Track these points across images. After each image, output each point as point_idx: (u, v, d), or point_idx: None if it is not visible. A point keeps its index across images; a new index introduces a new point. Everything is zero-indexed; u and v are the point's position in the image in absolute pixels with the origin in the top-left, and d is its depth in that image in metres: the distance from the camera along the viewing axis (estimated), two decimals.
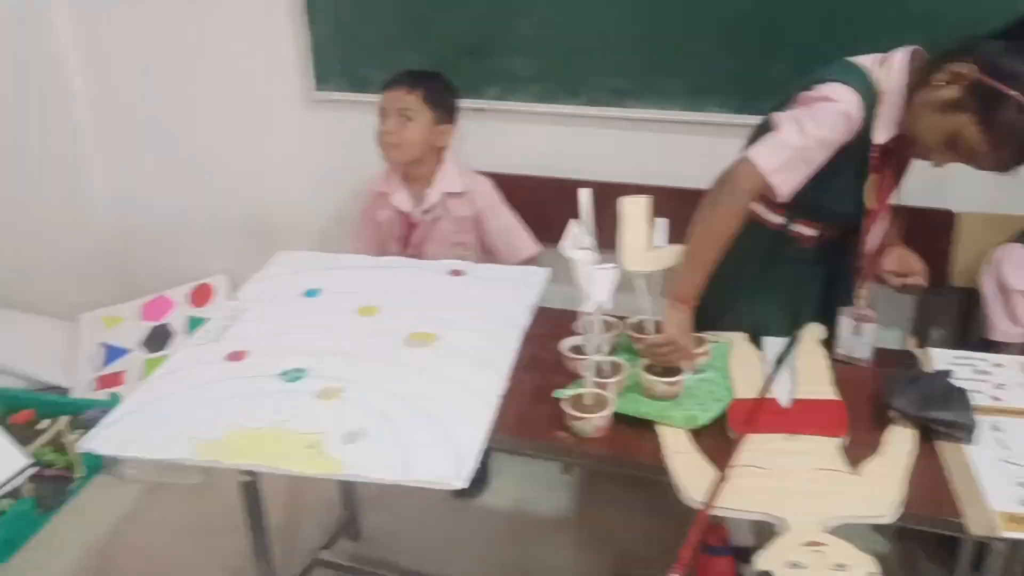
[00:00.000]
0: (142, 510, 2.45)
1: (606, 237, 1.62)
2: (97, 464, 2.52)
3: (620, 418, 1.52)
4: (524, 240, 2.30)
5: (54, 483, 2.38)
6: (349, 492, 2.26)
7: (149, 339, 2.98)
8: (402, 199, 2.28)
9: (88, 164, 2.96)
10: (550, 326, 1.81)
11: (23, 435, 2.52)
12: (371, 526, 2.33)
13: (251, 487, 1.86)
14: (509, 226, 2.31)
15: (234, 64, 2.71)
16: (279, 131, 2.76)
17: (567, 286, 2.03)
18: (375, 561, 2.16)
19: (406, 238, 2.31)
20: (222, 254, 3.01)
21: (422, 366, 1.63)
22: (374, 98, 2.45)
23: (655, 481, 1.41)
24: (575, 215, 1.56)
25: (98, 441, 1.48)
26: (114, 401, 2.75)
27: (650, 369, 1.58)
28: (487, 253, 2.32)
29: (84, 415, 2.62)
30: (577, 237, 1.52)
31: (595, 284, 1.46)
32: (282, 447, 1.43)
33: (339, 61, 2.59)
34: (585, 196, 1.55)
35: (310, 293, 1.93)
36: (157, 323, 3.01)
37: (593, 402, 1.51)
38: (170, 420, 1.52)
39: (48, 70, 2.82)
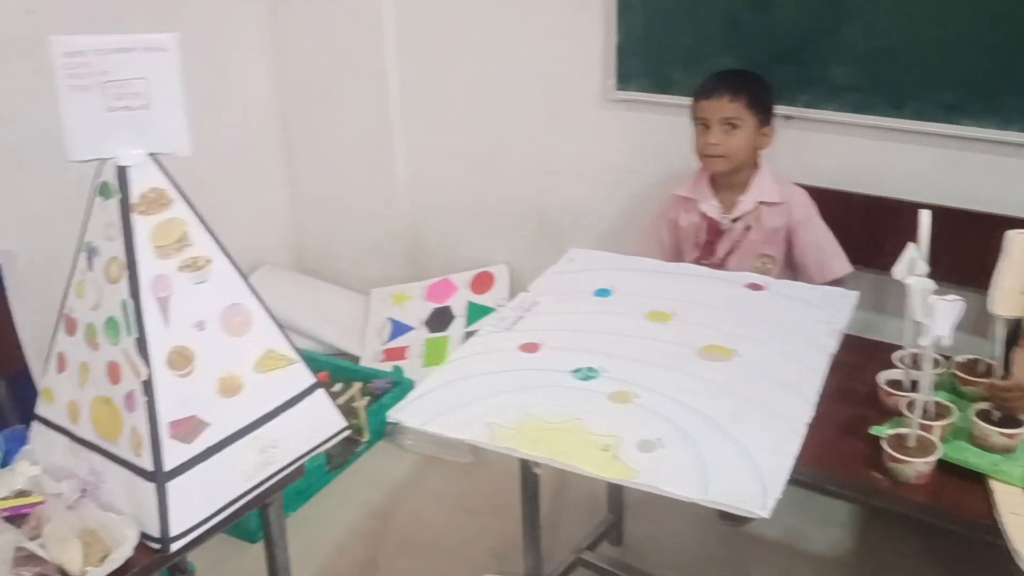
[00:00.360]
0: (417, 480, 2.57)
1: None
2: (381, 431, 2.68)
3: (943, 465, 1.38)
4: (837, 258, 2.16)
5: (344, 444, 2.55)
6: (616, 496, 2.24)
7: (431, 319, 3.12)
8: (712, 206, 2.22)
9: (395, 148, 3.14)
10: (858, 354, 1.69)
11: None
12: (634, 534, 2.29)
13: (533, 478, 1.88)
14: (823, 242, 2.18)
15: (539, 58, 2.76)
16: (575, 128, 2.78)
17: (868, 313, 1.89)
18: (635, 570, 2.12)
19: (709, 245, 2.24)
20: (505, 244, 3.10)
21: (719, 381, 1.57)
22: (675, 100, 2.41)
23: (947, 530, 1.27)
24: (886, 236, 1.43)
25: (405, 413, 1.54)
26: (398, 373, 2.92)
27: (984, 416, 1.42)
28: (790, 268, 2.21)
29: (372, 384, 2.79)
30: (913, 262, 1.39)
31: (936, 316, 1.32)
32: (577, 445, 1.42)
33: (644, 61, 2.56)
34: (925, 218, 1.42)
35: (601, 292, 1.92)
36: (439, 305, 3.15)
37: (916, 445, 1.38)
38: (469, 402, 1.56)
39: (371, 56, 3.01)
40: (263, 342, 1.42)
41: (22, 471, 1.38)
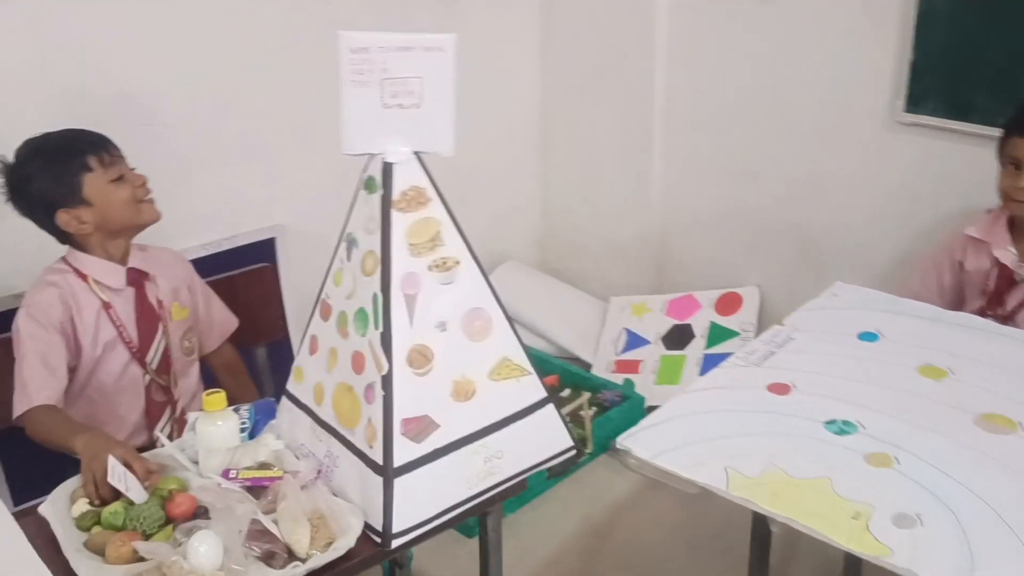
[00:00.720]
0: (638, 503, 2.48)
1: None
2: (606, 445, 2.62)
3: None
4: None
5: None
6: (854, 560, 2.03)
7: (669, 335, 3.02)
8: (1007, 252, 1.97)
9: (653, 152, 3.05)
10: None
11: None
12: None
13: (766, 531, 1.74)
14: None
15: (819, 68, 2.56)
16: (852, 148, 2.56)
17: None
18: None
19: (998, 296, 1.99)
20: (759, 265, 2.93)
21: (998, 457, 1.38)
22: (976, 129, 2.18)
23: None
24: None
25: (636, 441, 1.48)
26: (629, 387, 2.84)
27: None
28: None
29: (601, 394, 2.74)
30: None
31: None
32: (824, 509, 1.29)
33: (941, 81, 2.31)
34: None
35: (866, 336, 1.75)
36: (680, 322, 3.04)
37: None
38: (706, 440, 1.47)
39: (639, 56, 2.94)
40: (500, 350, 1.39)
41: (267, 444, 1.44)
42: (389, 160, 1.28)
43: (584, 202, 3.31)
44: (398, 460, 1.29)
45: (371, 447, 1.31)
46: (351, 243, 1.35)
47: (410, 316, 1.30)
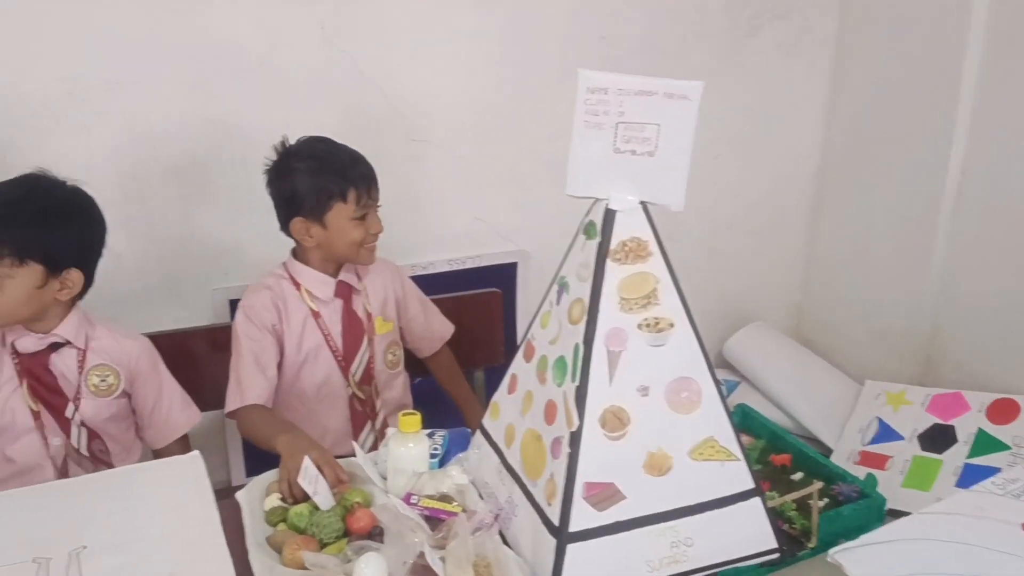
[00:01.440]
0: None
1: None
2: (832, 543, 2.35)
3: None
4: None
5: (788, 543, 2.30)
6: None
7: (927, 434, 2.68)
8: None
9: (938, 232, 2.74)
10: None
11: (775, 476, 2.50)
12: None
13: None
14: None
15: None
16: None
17: None
18: None
19: None
20: None
21: None
22: None
23: None
24: None
25: (850, 558, 1.34)
26: (871, 484, 2.54)
27: None
28: None
29: (836, 486, 2.47)
30: None
31: None
32: None
33: None
34: None
35: None
36: (942, 421, 2.69)
37: None
38: (933, 574, 1.26)
39: (936, 126, 2.66)
40: (706, 428, 1.27)
41: (452, 475, 1.42)
42: (613, 207, 1.22)
43: (852, 273, 3.04)
44: (575, 525, 1.21)
45: (550, 504, 1.24)
46: (562, 287, 1.30)
47: (610, 374, 1.22)
